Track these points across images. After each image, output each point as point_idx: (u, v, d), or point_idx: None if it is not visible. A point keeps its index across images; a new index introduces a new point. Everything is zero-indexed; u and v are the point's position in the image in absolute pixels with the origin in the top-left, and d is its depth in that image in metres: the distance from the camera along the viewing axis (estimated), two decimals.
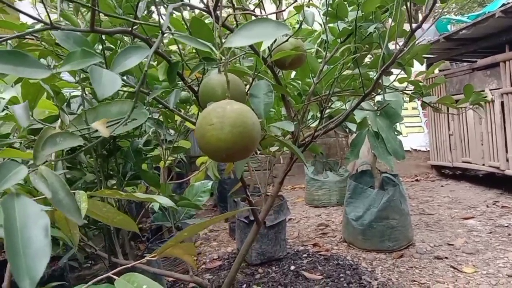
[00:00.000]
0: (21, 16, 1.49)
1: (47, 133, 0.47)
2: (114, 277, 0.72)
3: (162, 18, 0.89)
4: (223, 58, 0.60)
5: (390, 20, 1.29)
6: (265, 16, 1.01)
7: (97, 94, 0.46)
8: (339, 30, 1.31)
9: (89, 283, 0.71)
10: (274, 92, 0.87)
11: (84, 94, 1.26)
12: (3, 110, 1.32)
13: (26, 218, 0.38)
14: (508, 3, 3.59)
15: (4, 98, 1.34)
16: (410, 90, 1.44)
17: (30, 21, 1.37)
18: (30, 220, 0.38)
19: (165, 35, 0.62)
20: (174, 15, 1.20)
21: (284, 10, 1.05)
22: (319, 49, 1.60)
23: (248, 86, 1.16)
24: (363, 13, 1.16)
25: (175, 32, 0.64)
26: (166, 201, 0.92)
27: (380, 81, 1.16)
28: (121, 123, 0.56)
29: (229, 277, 1.34)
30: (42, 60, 1.19)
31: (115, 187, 1.50)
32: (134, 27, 0.82)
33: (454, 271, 2.43)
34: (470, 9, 11.90)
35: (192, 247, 0.97)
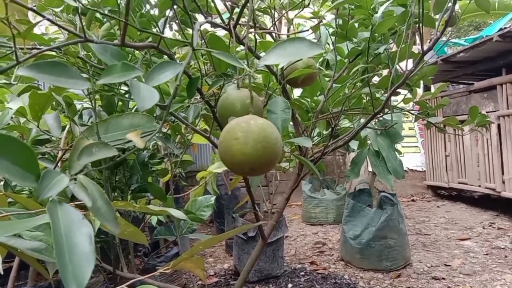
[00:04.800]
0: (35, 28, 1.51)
1: (82, 143, 0.48)
2: None
3: (183, 33, 0.92)
4: (254, 75, 0.61)
5: (393, 43, 1.32)
6: (296, 36, 1.04)
7: (137, 106, 0.47)
8: (347, 50, 1.34)
9: None
10: (290, 108, 0.89)
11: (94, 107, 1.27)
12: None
13: (70, 225, 0.39)
14: (505, 27, 3.67)
15: (11, 108, 1.35)
16: (416, 111, 1.47)
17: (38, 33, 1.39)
18: (74, 227, 0.39)
19: (192, 50, 0.64)
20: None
21: (306, 30, 1.08)
22: (321, 68, 1.63)
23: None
24: (375, 34, 1.19)
25: (208, 49, 0.65)
26: (178, 214, 0.92)
27: (389, 101, 1.18)
28: (153, 135, 0.57)
29: None
30: None
31: (119, 199, 1.50)
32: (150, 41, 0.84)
33: None
34: (466, 33, 12.12)
35: (202, 261, 0.98)
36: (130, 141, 0.74)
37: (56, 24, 0.66)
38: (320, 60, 1.68)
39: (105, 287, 1.70)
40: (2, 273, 0.68)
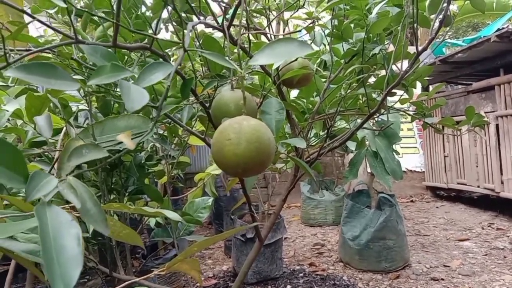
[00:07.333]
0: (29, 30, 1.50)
1: (72, 145, 0.48)
2: None
3: (177, 35, 0.92)
4: (246, 75, 0.61)
5: (389, 43, 1.32)
6: (286, 36, 1.04)
7: (126, 107, 0.47)
8: (343, 50, 1.34)
9: None
10: (284, 109, 0.89)
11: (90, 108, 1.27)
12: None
13: (58, 227, 0.39)
14: (503, 28, 3.67)
15: (7, 111, 1.35)
16: (412, 111, 1.47)
17: (34, 35, 1.39)
18: (63, 229, 0.39)
19: (184, 51, 0.64)
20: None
21: (299, 31, 1.08)
22: (319, 69, 1.63)
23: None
24: (370, 34, 1.19)
25: (200, 49, 0.65)
26: (174, 216, 0.92)
27: (384, 101, 1.18)
28: (144, 136, 0.57)
29: None
30: None
31: (116, 201, 1.50)
32: (145, 43, 0.84)
33: None
34: (465, 33, 12.13)
35: (197, 263, 0.97)
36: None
37: (48, 25, 0.66)
38: (318, 61, 1.68)
39: None
40: None
